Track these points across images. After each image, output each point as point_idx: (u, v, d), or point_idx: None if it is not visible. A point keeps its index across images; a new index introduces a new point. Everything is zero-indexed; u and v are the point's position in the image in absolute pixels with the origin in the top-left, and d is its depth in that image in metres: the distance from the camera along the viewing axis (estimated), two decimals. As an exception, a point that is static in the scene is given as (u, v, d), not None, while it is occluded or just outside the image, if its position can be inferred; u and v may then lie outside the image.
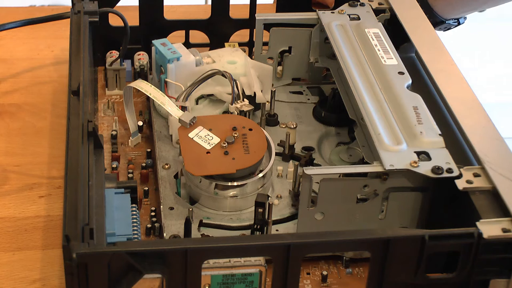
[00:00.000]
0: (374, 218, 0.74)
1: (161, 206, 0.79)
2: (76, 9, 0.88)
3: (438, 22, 1.06)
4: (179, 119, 0.81)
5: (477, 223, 0.64)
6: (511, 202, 0.66)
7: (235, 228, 0.78)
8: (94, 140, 0.72)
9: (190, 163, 0.78)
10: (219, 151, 0.78)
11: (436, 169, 0.71)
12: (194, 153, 0.78)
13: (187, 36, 1.02)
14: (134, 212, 0.74)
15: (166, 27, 1.01)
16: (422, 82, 0.86)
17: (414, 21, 0.91)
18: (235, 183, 0.78)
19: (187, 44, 1.00)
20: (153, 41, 0.89)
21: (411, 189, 0.73)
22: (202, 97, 0.89)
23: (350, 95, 0.84)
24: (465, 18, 1.10)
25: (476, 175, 0.70)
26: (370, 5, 0.94)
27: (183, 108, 0.83)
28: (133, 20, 0.98)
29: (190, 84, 0.86)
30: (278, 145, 0.86)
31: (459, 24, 1.10)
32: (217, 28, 1.02)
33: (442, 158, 0.72)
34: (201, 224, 0.77)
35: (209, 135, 0.80)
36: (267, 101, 0.90)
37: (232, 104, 0.85)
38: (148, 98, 0.90)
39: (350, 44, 0.88)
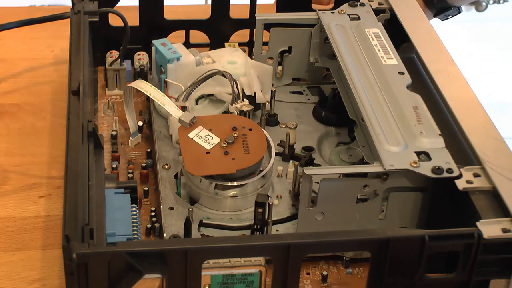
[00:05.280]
0: (374, 218, 0.74)
1: (161, 206, 0.79)
2: (76, 9, 0.88)
3: (444, 8, 1.07)
4: (179, 119, 0.81)
5: (477, 223, 0.64)
6: (511, 202, 0.66)
7: (235, 228, 0.78)
8: (94, 140, 0.72)
9: (190, 163, 0.78)
10: (219, 151, 0.78)
11: (436, 169, 0.71)
12: (194, 153, 0.78)
13: (187, 36, 1.02)
14: (134, 212, 0.74)
15: (166, 27, 1.01)
16: (422, 82, 0.86)
17: (414, 21, 0.91)
18: (235, 183, 0.78)
19: (187, 44, 1.00)
20: (153, 41, 0.90)
21: (411, 189, 0.73)
22: (202, 97, 0.89)
23: (350, 95, 0.84)
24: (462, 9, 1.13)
25: (476, 175, 0.70)
26: (370, 5, 0.94)
27: (183, 108, 0.83)
28: (133, 20, 0.97)
29: (190, 84, 0.86)
30: (278, 145, 0.86)
31: (459, 12, 1.12)
32: (217, 28, 1.02)
33: (442, 158, 0.72)
34: (201, 224, 0.77)
35: (209, 135, 0.80)
36: (267, 101, 0.90)
37: (232, 104, 0.85)
38: (148, 98, 0.90)
39: (350, 44, 0.88)
